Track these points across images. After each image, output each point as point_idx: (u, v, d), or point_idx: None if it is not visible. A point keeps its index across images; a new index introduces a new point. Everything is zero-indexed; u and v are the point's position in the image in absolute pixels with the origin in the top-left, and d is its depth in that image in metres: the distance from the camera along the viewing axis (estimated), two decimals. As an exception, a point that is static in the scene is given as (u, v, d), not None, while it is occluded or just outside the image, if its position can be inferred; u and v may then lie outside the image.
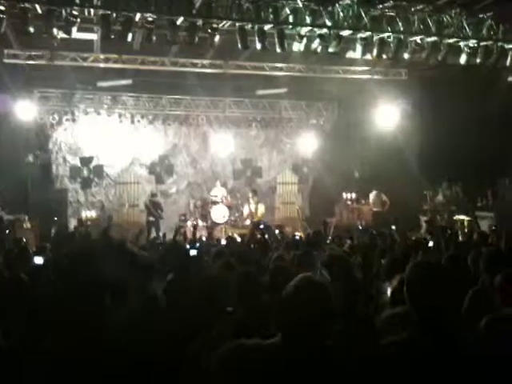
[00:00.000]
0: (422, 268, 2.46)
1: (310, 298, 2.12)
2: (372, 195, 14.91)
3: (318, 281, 2.23)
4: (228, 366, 2.09)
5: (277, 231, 11.16)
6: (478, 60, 11.06)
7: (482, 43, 10.92)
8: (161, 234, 12.54)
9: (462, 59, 11.10)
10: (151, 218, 14.27)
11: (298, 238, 10.19)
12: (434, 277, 2.39)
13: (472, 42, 10.90)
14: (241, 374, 2.05)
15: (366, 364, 2.20)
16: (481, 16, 10.76)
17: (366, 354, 2.30)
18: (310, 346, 2.07)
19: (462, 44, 10.96)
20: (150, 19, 9.47)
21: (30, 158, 14.59)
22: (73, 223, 14.73)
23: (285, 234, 11.46)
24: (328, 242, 9.18)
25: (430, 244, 7.28)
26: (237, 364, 2.08)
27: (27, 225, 12.82)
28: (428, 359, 2.22)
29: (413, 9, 10.58)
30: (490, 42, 10.92)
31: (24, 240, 8.06)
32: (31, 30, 8.96)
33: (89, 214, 14.71)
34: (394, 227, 10.88)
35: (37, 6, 8.83)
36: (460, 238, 9.10)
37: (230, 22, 9.89)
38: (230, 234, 12.76)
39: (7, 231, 11.91)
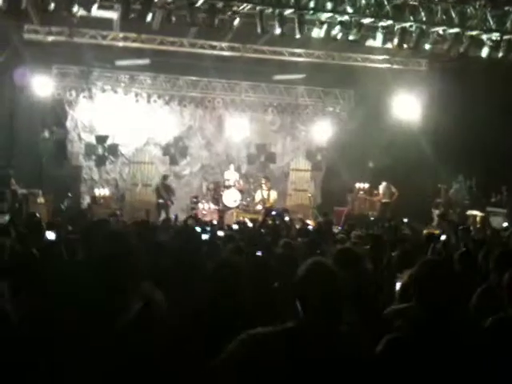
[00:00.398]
0: (429, 266, 2.48)
1: (324, 279, 2.14)
2: (382, 186, 14.84)
3: (329, 263, 2.25)
4: (237, 357, 2.09)
5: (287, 218, 11.16)
6: (501, 54, 10.89)
7: (505, 37, 10.73)
8: (172, 216, 12.62)
9: (484, 52, 10.93)
10: (160, 201, 14.27)
11: (310, 227, 10.20)
12: (440, 275, 2.41)
13: (495, 35, 10.71)
14: (250, 365, 2.05)
15: (372, 356, 2.21)
16: (506, 8, 10.56)
17: (373, 346, 2.30)
18: (329, 328, 2.09)
19: (484, 37, 10.77)
20: (170, 0, 9.43)
21: (46, 134, 14.70)
22: (86, 200, 14.86)
23: (293, 220, 11.45)
24: (337, 230, 9.18)
25: (442, 237, 7.23)
26: (247, 355, 2.08)
27: (41, 199, 12.94)
28: (431, 355, 2.23)
29: (436, -1, 10.43)
30: (513, 36, 10.74)
31: (38, 215, 8.14)
32: (52, 6, 8.97)
33: (102, 191, 14.81)
34: (405, 220, 10.86)
35: (58, -17, 8.83)
36: (472, 233, 9.04)
37: (250, 6, 9.82)
38: (241, 218, 12.80)
39: (16, 205, 12.06)
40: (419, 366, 2.23)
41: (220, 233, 6.48)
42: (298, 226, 10.09)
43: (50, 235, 5.12)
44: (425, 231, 9.40)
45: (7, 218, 9.17)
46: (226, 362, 2.09)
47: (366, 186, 15.39)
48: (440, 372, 2.22)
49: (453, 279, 2.43)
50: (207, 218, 12.65)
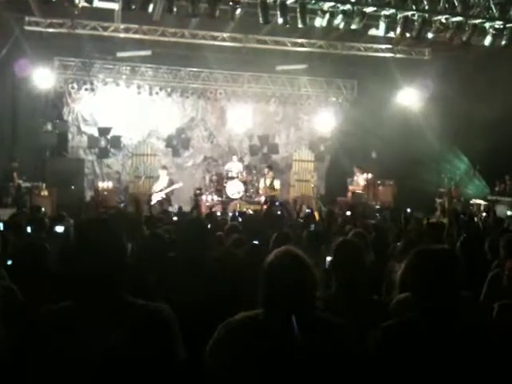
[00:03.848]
0: (420, 254, 2.47)
1: (285, 269, 2.13)
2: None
3: (295, 252, 2.22)
4: (218, 343, 2.15)
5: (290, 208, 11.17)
6: (504, 42, 10.83)
7: (508, 25, 10.67)
8: (176, 208, 12.64)
9: (487, 41, 10.87)
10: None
11: (309, 211, 10.22)
12: (431, 263, 2.40)
13: (498, 24, 10.64)
14: (228, 348, 2.11)
15: (349, 346, 2.20)
16: (510, -4, 10.50)
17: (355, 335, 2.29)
18: (289, 317, 2.07)
19: (487, 25, 10.71)
20: (172, -10, 9.39)
21: (49, 127, 14.68)
22: (89, 194, 14.86)
23: (300, 212, 11.44)
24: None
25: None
26: (224, 341, 2.14)
27: (44, 192, 12.96)
28: (424, 341, 2.25)
29: (439, -13, 10.35)
30: (516, 24, 10.66)
31: (43, 210, 8.18)
32: (53, -3, 8.95)
33: (105, 185, 14.80)
34: (409, 210, 10.84)
35: (58, -26, 8.79)
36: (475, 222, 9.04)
37: (251, -5, 9.78)
38: (245, 209, 12.81)
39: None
40: (407, 352, 2.24)
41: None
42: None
43: (59, 228, 5.13)
44: (425, 221, 9.37)
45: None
46: (209, 349, 2.16)
47: (369, 176, 15.36)
48: (430, 357, 2.23)
49: (443, 265, 2.41)
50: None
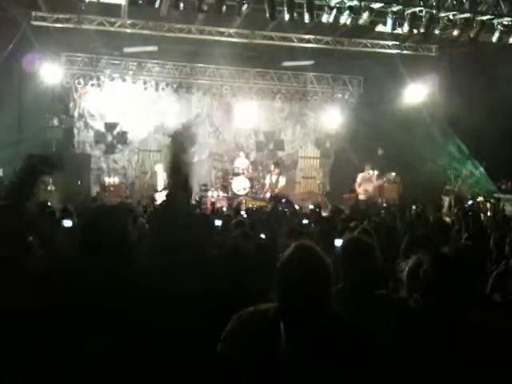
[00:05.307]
0: (430, 260, 2.55)
1: (302, 263, 2.12)
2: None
3: (312, 247, 2.21)
4: (230, 335, 2.17)
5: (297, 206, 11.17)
6: (512, 38, 10.79)
7: (516, 21, 10.63)
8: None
9: (495, 37, 10.82)
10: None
11: (313, 208, 10.21)
12: (432, 269, 2.52)
13: (507, 20, 10.60)
14: (239, 340, 2.13)
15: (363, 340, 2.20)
16: (518, -8, 10.44)
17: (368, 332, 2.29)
18: (303, 311, 2.07)
19: (495, 21, 10.66)
20: (178, -14, 9.39)
21: (55, 122, 14.72)
22: (95, 189, 14.90)
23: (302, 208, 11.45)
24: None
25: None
26: (236, 332, 2.16)
27: (51, 187, 13.01)
28: (427, 341, 2.32)
29: (447, -17, 10.31)
30: (525, 20, 10.61)
31: (49, 203, 8.21)
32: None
33: (112, 180, 14.84)
34: (414, 207, 10.82)
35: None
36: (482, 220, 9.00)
37: (258, -9, 9.76)
38: (250, 206, 12.82)
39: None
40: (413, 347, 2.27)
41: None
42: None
43: (67, 222, 5.14)
44: (431, 218, 9.35)
45: None
46: (222, 342, 2.17)
47: (376, 173, 15.33)
48: (433, 354, 2.26)
49: (450, 271, 2.48)
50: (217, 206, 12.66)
